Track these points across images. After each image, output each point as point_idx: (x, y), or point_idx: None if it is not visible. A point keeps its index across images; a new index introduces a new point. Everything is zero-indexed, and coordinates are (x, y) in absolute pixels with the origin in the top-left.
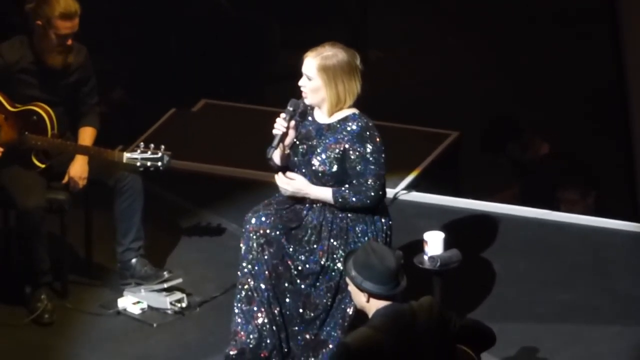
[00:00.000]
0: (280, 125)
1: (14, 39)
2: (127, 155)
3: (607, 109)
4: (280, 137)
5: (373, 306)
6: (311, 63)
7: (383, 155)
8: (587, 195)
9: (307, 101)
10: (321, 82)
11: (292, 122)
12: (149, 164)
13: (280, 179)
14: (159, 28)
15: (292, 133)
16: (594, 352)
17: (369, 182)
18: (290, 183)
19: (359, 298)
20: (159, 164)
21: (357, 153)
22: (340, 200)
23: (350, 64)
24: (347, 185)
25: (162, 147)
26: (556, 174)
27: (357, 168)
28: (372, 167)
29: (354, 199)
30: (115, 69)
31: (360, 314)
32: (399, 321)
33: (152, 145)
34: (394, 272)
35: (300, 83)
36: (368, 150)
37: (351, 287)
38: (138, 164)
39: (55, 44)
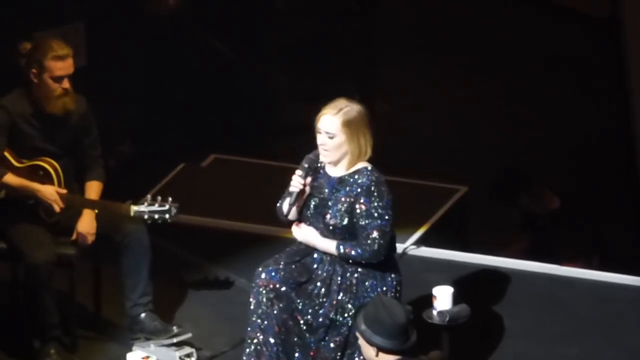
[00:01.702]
0: (297, 182)
1: (13, 93)
2: (134, 208)
3: (614, 160)
4: (297, 194)
5: (382, 358)
6: (332, 120)
7: (389, 212)
8: (591, 260)
9: (327, 159)
10: (344, 138)
11: (308, 179)
12: (156, 216)
13: (293, 227)
14: (167, 82)
15: (307, 190)
16: None
17: (371, 237)
18: (299, 231)
19: (369, 352)
20: (167, 215)
21: (364, 207)
22: (342, 253)
23: (366, 116)
24: (351, 240)
25: (170, 199)
26: (564, 229)
27: (362, 222)
28: (377, 222)
29: (353, 253)
30: (123, 123)
31: None
32: None
33: (159, 198)
34: (404, 326)
35: (320, 142)
36: (374, 205)
37: (361, 341)
38: (146, 216)
39: (52, 88)
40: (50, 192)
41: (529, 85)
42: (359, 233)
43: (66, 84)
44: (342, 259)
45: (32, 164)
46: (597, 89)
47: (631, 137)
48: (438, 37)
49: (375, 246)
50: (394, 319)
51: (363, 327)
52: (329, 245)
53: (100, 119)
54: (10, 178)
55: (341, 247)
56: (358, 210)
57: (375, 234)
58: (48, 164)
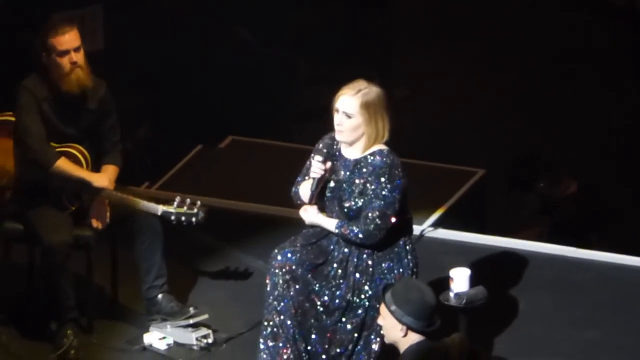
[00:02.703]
0: (317, 168)
1: (30, 77)
2: (162, 208)
3: (633, 145)
4: (318, 180)
5: (407, 341)
6: (351, 101)
7: (396, 196)
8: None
9: (343, 139)
10: (362, 120)
11: (328, 164)
12: (183, 218)
13: (301, 211)
14: (185, 65)
15: (326, 175)
16: None
17: (370, 217)
18: (305, 214)
19: (395, 332)
20: (193, 219)
21: (371, 187)
22: (339, 231)
23: (385, 98)
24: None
25: (199, 202)
26: (583, 213)
27: (366, 202)
28: (380, 202)
29: (349, 232)
30: (141, 106)
31: (389, 348)
32: (430, 357)
33: (188, 200)
34: (434, 307)
35: (337, 121)
36: (382, 186)
37: (387, 321)
38: (172, 217)
39: (61, 65)
40: (103, 179)
41: (546, 72)
42: (362, 212)
43: (74, 57)
44: (341, 237)
45: (62, 149)
46: (615, 76)
47: None
48: (456, 24)
49: (371, 227)
50: (425, 300)
51: (394, 307)
52: (329, 224)
53: (118, 102)
54: (63, 163)
55: (339, 225)
56: (365, 191)
57: (374, 214)
58: (76, 150)
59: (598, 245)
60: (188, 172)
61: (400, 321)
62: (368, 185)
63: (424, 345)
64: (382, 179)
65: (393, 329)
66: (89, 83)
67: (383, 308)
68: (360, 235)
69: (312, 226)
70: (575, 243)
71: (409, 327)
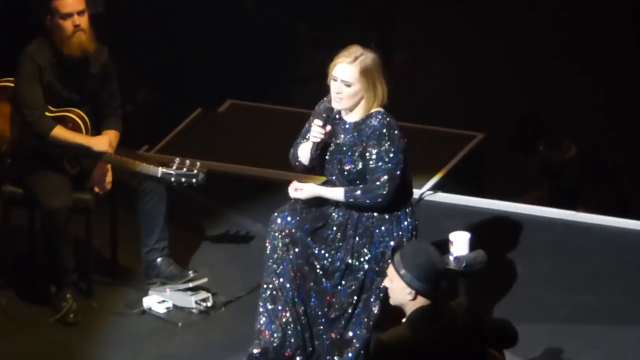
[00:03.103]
0: (317, 132)
1: (34, 43)
2: (162, 170)
3: (632, 110)
4: (317, 144)
5: (414, 304)
6: (349, 69)
7: (401, 156)
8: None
9: (342, 106)
10: (360, 86)
11: (328, 127)
12: (183, 180)
13: (291, 191)
14: (184, 28)
15: (326, 138)
16: (618, 354)
17: (381, 180)
18: (301, 192)
19: (402, 295)
20: (194, 180)
21: (374, 150)
22: (351, 200)
23: (381, 63)
24: (360, 185)
25: (198, 163)
26: (582, 176)
27: (372, 165)
28: (387, 165)
29: (361, 198)
30: (141, 70)
31: (389, 311)
32: (437, 320)
33: (188, 162)
34: (443, 272)
35: (335, 90)
36: (384, 148)
37: (395, 284)
38: (173, 179)
39: (64, 28)
40: (103, 143)
41: (548, 35)
42: (368, 176)
43: (77, 20)
44: (351, 205)
45: (61, 114)
46: (616, 40)
47: None
48: None
49: (384, 190)
50: (435, 264)
51: (403, 271)
52: (336, 193)
53: (118, 66)
54: (59, 130)
55: (348, 193)
56: (368, 154)
57: (384, 178)
58: (76, 115)
59: (597, 208)
60: (187, 135)
61: (409, 285)
62: (370, 148)
63: (430, 308)
64: (384, 141)
65: (401, 292)
66: (91, 47)
67: (391, 270)
68: (375, 199)
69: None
70: (575, 207)
71: (418, 291)
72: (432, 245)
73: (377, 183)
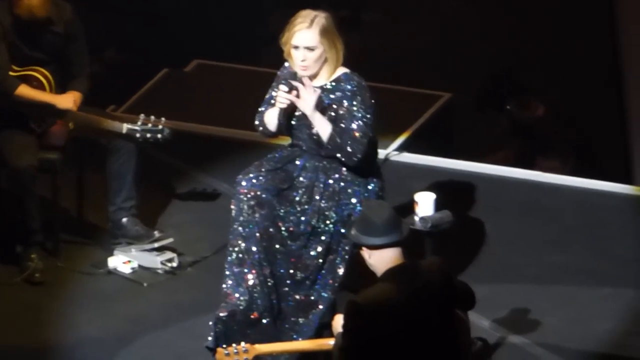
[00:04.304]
0: (284, 99)
1: None
2: (127, 126)
3: (601, 70)
4: (284, 109)
5: (380, 264)
6: (309, 33)
7: (371, 116)
8: (566, 162)
9: (308, 73)
10: (323, 48)
11: (294, 92)
12: (148, 135)
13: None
14: None
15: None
16: (586, 314)
17: (356, 136)
18: (302, 102)
19: (365, 257)
20: (159, 135)
21: (346, 109)
22: (332, 143)
23: (333, 19)
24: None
25: (163, 119)
26: (546, 137)
27: (344, 123)
28: (359, 122)
29: (345, 145)
30: (107, 29)
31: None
32: (408, 279)
33: (152, 117)
34: (388, 222)
35: (300, 58)
36: (356, 107)
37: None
38: (138, 135)
39: None
40: (68, 101)
41: None
42: (339, 138)
43: None
44: (331, 148)
45: (25, 73)
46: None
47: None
48: None
49: (361, 145)
50: (378, 216)
51: (353, 232)
52: (324, 127)
53: (85, 25)
54: (24, 89)
55: (335, 135)
56: (341, 112)
57: (357, 134)
58: (40, 74)
59: (565, 169)
60: (154, 95)
61: (360, 243)
62: (341, 109)
63: (399, 269)
64: (355, 101)
65: (364, 255)
66: (41, 12)
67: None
68: (359, 155)
69: (281, 149)
70: (542, 167)
71: (367, 246)
72: (385, 202)
73: (349, 141)
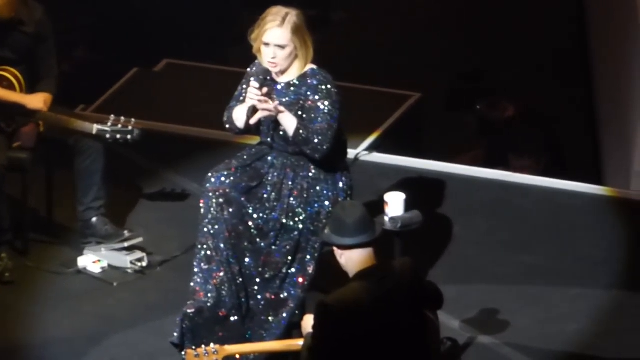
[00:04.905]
0: (254, 95)
1: None
2: (97, 127)
3: (570, 69)
4: (254, 106)
5: (352, 264)
6: (280, 32)
7: (337, 111)
8: (539, 161)
9: (278, 69)
10: (294, 46)
11: (264, 89)
12: (118, 136)
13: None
14: None
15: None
16: (554, 314)
17: (322, 129)
18: (265, 104)
19: (337, 257)
20: (129, 137)
21: (311, 104)
22: (298, 135)
23: (304, 17)
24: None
25: (133, 120)
26: (518, 137)
27: (311, 118)
28: (327, 115)
29: (310, 138)
30: (77, 28)
31: (327, 273)
32: (378, 280)
33: (122, 118)
34: (360, 221)
35: (270, 55)
36: (321, 100)
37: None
38: (108, 135)
39: None
40: (38, 101)
41: None
42: (305, 132)
43: None
44: (298, 142)
45: None
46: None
47: (587, 50)
48: None
49: (326, 138)
50: (349, 216)
51: (326, 231)
52: (291, 122)
53: (55, 24)
54: None
55: (299, 128)
56: (307, 107)
57: (323, 126)
58: (10, 74)
59: (534, 169)
60: (123, 95)
61: (332, 243)
62: (310, 103)
63: (373, 269)
64: (320, 95)
65: (336, 256)
66: (7, 13)
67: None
68: (324, 148)
69: (250, 147)
70: (511, 167)
71: (337, 246)
72: (358, 203)
73: (319, 131)
